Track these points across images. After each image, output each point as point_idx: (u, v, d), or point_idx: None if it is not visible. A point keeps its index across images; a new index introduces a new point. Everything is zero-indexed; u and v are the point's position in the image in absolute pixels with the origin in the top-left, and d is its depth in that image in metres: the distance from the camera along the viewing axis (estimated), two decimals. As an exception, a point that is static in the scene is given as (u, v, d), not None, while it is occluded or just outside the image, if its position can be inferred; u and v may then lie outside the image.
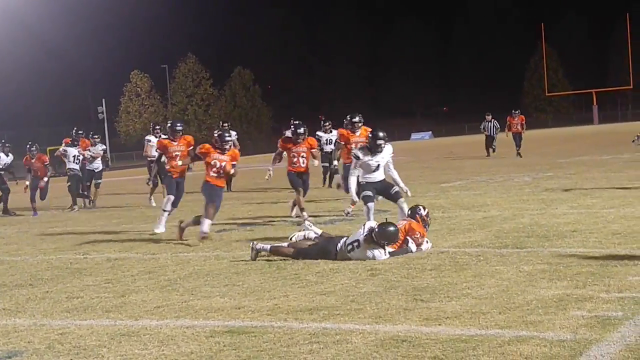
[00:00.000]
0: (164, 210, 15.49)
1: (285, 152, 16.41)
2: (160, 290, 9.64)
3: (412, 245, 10.94)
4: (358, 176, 12.85)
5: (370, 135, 13.16)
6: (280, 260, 10.98)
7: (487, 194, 18.75)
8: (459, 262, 9.98)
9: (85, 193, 24.81)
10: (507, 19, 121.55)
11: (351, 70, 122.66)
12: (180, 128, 15.81)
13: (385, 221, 10.89)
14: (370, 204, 12.69)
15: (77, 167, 24.23)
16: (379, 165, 12.80)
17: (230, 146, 14.21)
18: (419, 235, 11.05)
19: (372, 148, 12.76)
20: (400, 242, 10.94)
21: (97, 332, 7.69)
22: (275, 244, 11.48)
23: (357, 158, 12.84)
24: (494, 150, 37.02)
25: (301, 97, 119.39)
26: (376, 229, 10.58)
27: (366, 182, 12.80)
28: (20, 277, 11.56)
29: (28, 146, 23.57)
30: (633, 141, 14.60)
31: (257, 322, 7.62)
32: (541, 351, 5.97)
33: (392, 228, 10.65)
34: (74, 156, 24.20)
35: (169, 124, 16.18)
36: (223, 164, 13.93)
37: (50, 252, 14.26)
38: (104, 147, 26.40)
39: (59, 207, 25.22)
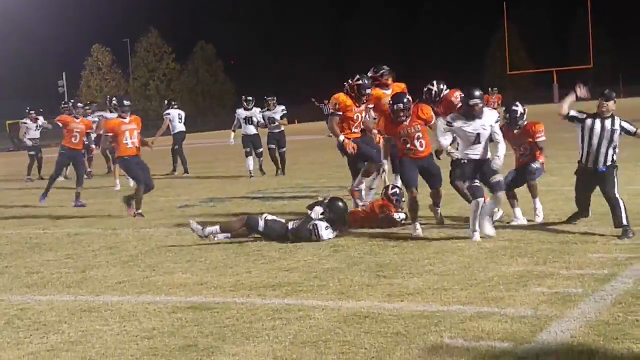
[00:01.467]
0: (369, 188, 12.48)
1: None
2: (122, 266, 9.58)
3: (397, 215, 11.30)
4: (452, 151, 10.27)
5: (462, 95, 10.51)
6: (243, 237, 10.92)
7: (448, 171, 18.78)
8: (422, 239, 10.03)
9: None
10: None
11: (316, 45, 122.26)
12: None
13: (331, 197, 10.94)
14: (481, 200, 9.87)
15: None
16: (479, 135, 10.02)
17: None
18: (388, 212, 11.23)
19: (466, 111, 10.08)
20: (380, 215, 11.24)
21: (57, 307, 7.64)
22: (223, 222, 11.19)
23: (450, 125, 10.09)
24: None
25: (265, 72, 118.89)
26: (328, 208, 10.59)
27: (467, 159, 10.12)
28: (-21, 252, 11.43)
29: (71, 103, 18.88)
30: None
31: (220, 298, 7.60)
32: (502, 327, 6.02)
33: (341, 203, 10.70)
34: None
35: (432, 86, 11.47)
36: (357, 115, 11.94)
37: (10, 226, 14.12)
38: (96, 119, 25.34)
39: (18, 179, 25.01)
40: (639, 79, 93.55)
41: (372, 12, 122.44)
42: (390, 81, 12.28)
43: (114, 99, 21.94)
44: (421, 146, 10.73)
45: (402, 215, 11.34)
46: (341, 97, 11.89)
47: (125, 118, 14.41)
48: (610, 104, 9.81)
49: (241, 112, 21.77)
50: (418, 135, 10.69)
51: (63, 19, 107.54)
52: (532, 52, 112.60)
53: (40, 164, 25.92)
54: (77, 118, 17.48)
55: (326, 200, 10.79)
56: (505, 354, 5.44)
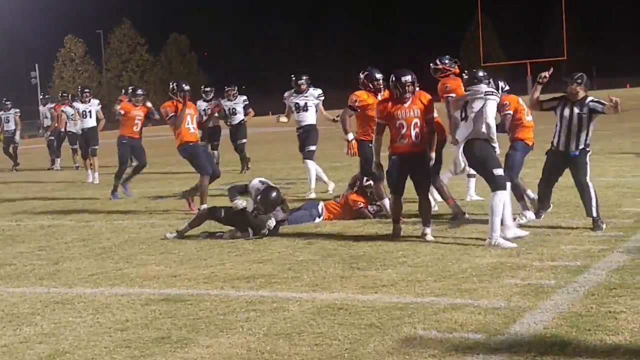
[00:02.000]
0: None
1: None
2: (95, 258, 9.54)
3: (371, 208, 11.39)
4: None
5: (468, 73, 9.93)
6: (216, 229, 10.87)
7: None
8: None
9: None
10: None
11: (290, 38, 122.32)
12: None
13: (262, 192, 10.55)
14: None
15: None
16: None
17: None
18: (362, 205, 11.28)
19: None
20: (355, 208, 11.34)
21: (31, 299, 7.60)
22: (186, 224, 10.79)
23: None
24: None
25: (239, 64, 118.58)
26: (259, 197, 10.39)
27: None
28: (-50, 244, 11.34)
29: (130, 91, 17.29)
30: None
31: (194, 290, 7.59)
32: (475, 319, 6.05)
33: (274, 194, 10.56)
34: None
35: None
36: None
37: (-18, 219, 14.02)
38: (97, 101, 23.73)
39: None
40: (612, 71, 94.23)
41: (346, 6, 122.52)
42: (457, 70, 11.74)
43: (85, 89, 20.94)
44: (417, 137, 9.53)
45: (376, 208, 11.38)
46: (363, 95, 11.34)
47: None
48: (573, 87, 9.62)
49: (201, 104, 20.34)
50: (416, 122, 9.50)
51: (36, 10, 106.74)
52: (506, 45, 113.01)
53: (15, 154, 26.03)
54: (136, 106, 16.26)
55: (259, 202, 10.40)
56: (478, 345, 5.46)
